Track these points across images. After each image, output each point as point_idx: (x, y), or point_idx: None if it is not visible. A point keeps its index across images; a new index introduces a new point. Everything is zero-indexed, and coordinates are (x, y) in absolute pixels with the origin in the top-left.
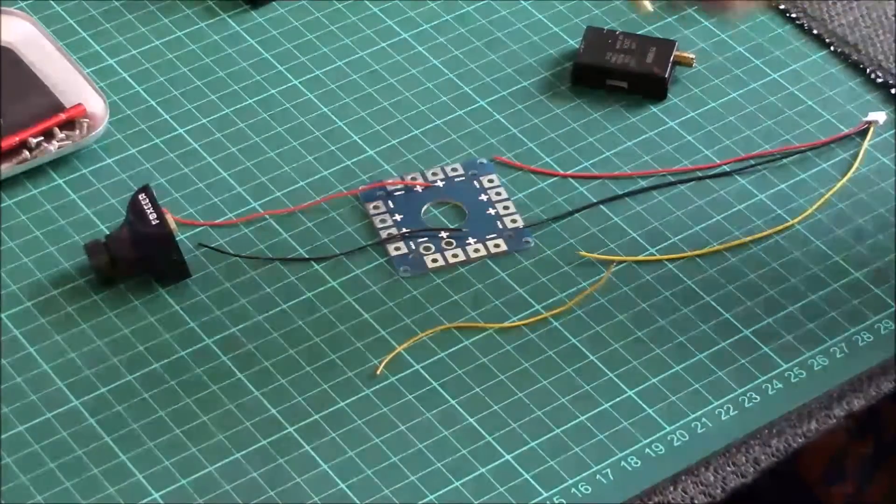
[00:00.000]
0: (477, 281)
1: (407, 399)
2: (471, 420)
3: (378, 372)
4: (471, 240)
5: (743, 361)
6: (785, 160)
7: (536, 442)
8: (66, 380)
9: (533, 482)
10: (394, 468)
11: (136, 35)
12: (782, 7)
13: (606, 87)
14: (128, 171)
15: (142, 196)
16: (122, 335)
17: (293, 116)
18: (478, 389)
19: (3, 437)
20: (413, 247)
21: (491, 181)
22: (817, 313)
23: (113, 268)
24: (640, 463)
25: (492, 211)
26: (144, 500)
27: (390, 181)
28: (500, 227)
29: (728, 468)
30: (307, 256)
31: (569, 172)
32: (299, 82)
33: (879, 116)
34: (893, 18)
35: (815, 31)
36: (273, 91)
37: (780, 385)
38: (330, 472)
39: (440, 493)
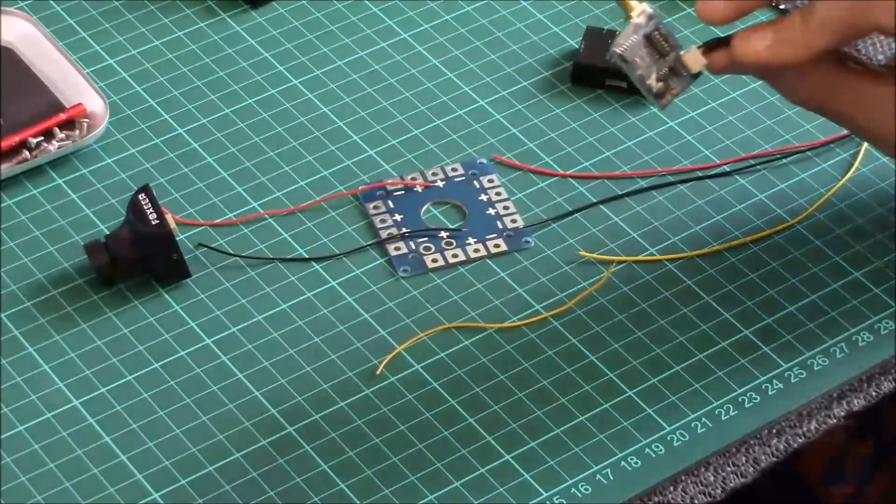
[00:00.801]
0: (477, 281)
1: (407, 399)
2: (471, 420)
3: (378, 372)
4: (471, 240)
5: (743, 361)
6: (785, 160)
7: (536, 442)
8: (66, 380)
9: (533, 482)
10: (394, 468)
11: (136, 35)
12: (782, 7)
13: (606, 87)
14: (128, 171)
15: (142, 196)
16: (122, 335)
17: (293, 116)
18: (478, 389)
19: (3, 437)
20: (413, 247)
21: (491, 181)
22: (817, 313)
23: (113, 268)
24: (640, 463)
25: (492, 211)
26: (144, 500)
27: (390, 181)
28: (500, 227)
29: (728, 468)
30: (307, 256)
31: (569, 172)
32: (299, 82)
33: None
34: None
35: None
36: (273, 91)
37: (780, 385)
38: (330, 472)
39: (440, 493)
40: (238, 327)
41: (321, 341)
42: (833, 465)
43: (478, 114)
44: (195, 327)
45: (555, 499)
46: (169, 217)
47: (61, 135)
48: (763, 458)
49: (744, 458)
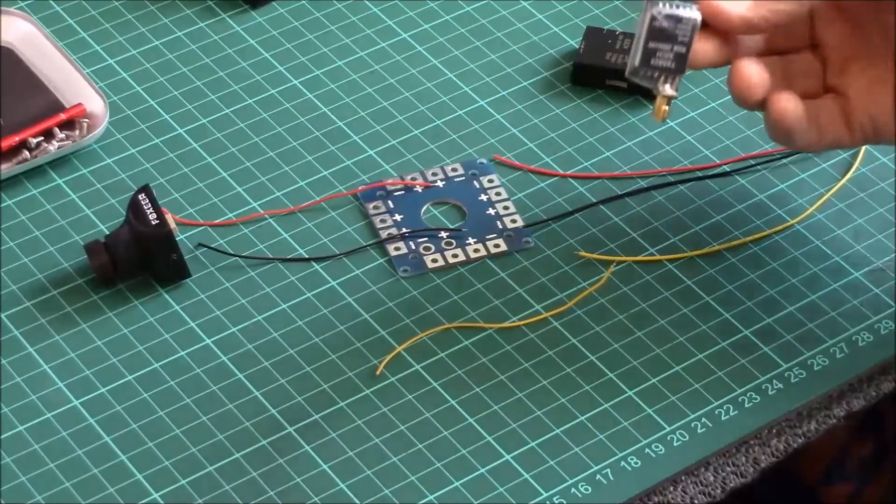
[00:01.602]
0: (477, 281)
1: (407, 399)
2: (471, 420)
3: (378, 372)
4: (471, 240)
5: (743, 361)
6: (785, 160)
7: (536, 442)
8: (66, 380)
9: (533, 482)
10: (394, 468)
11: (136, 35)
12: None
13: (606, 87)
14: (128, 171)
15: (142, 196)
16: (122, 335)
17: (293, 116)
18: (478, 389)
19: (3, 437)
20: (413, 247)
21: (491, 181)
22: (817, 313)
23: (113, 268)
24: (640, 463)
25: (492, 211)
26: (144, 500)
27: (390, 181)
28: (500, 227)
29: (728, 468)
30: (307, 256)
31: (569, 172)
32: (299, 82)
33: None
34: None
35: None
36: (273, 91)
37: (780, 385)
38: (330, 472)
39: (440, 493)
40: (238, 327)
41: (321, 341)
42: (833, 465)
43: (478, 114)
44: (195, 327)
45: (555, 499)
46: (169, 217)
47: (61, 135)
48: (763, 458)
49: (744, 458)
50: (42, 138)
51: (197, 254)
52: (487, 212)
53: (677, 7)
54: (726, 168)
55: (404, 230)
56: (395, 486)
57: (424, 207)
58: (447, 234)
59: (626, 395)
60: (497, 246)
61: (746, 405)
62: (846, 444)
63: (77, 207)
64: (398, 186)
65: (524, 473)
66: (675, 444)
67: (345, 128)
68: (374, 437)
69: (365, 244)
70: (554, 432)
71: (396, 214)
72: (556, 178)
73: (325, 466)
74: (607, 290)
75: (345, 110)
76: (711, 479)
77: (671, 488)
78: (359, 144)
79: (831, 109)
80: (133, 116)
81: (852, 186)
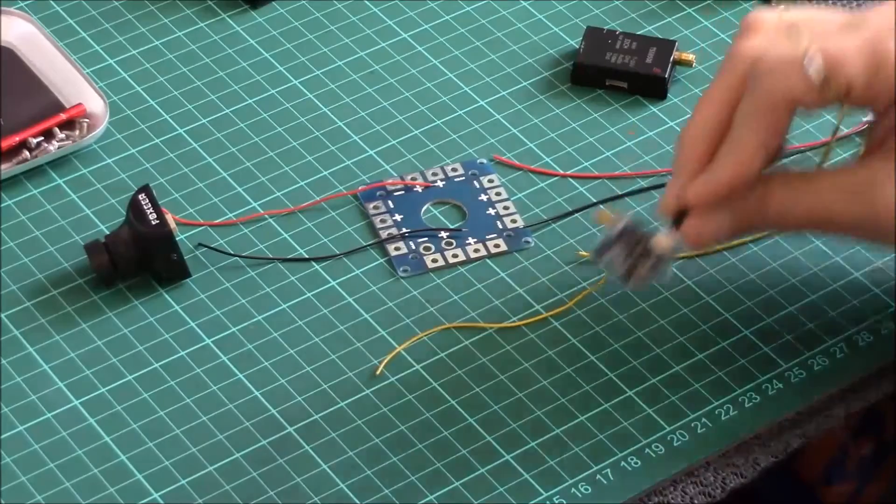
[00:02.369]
0: (477, 281)
1: (407, 399)
2: (471, 420)
3: (378, 372)
4: (471, 240)
5: (743, 361)
6: (785, 160)
7: (536, 442)
8: (66, 380)
9: (533, 482)
10: (394, 468)
11: (136, 35)
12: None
13: (606, 87)
14: (128, 171)
15: (142, 196)
16: (122, 335)
17: (293, 116)
18: (478, 389)
19: (3, 437)
20: (413, 247)
21: (491, 181)
22: (817, 313)
23: (113, 268)
24: (640, 463)
25: (492, 211)
26: (144, 500)
27: (390, 181)
28: (500, 227)
29: (728, 468)
30: (307, 256)
31: (569, 172)
32: (299, 82)
33: None
34: None
35: None
36: (273, 91)
37: (780, 385)
38: (330, 472)
39: (440, 493)
40: (238, 327)
41: (321, 341)
42: (833, 465)
43: (478, 114)
44: (195, 327)
45: (555, 499)
46: (169, 217)
47: (61, 135)
48: (763, 458)
49: (744, 458)
50: (42, 138)
51: (197, 254)
52: (487, 212)
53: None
54: None
55: (404, 230)
56: (395, 486)
57: (424, 207)
58: (447, 234)
59: (626, 395)
60: (497, 246)
61: (746, 405)
62: (846, 444)
63: (77, 207)
64: (398, 186)
65: (524, 473)
66: (675, 444)
67: (345, 128)
68: (374, 437)
69: (365, 244)
70: (554, 432)
71: (396, 214)
72: (556, 178)
73: (325, 466)
74: (607, 290)
75: (345, 110)
76: (711, 479)
77: (671, 488)
78: (359, 144)
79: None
80: (133, 116)
81: None
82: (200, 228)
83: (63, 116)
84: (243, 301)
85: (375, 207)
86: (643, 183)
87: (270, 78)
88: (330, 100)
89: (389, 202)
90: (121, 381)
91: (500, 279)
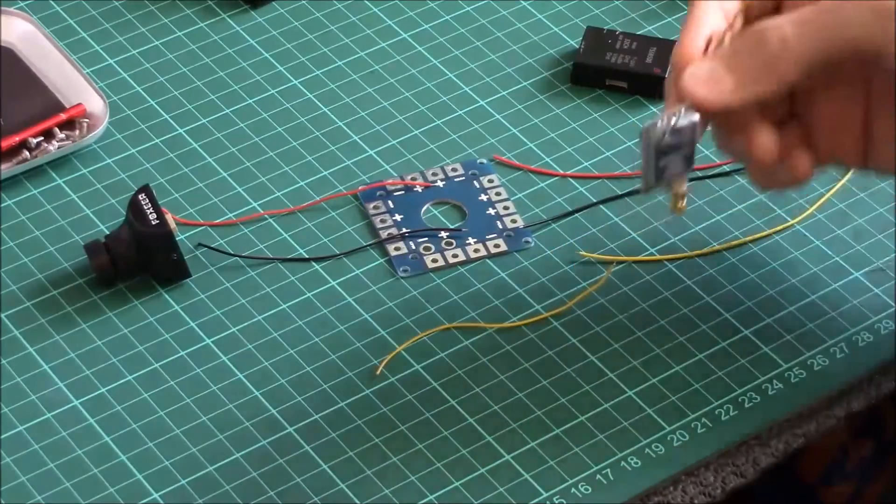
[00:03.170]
0: (477, 281)
1: (407, 399)
2: (471, 420)
3: (378, 372)
4: (471, 240)
5: (743, 361)
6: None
7: (536, 442)
8: (66, 380)
9: (533, 482)
10: (394, 468)
11: (136, 35)
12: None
13: (606, 87)
14: (128, 171)
15: (142, 196)
16: (122, 335)
17: (293, 116)
18: (478, 389)
19: (3, 437)
20: (413, 247)
21: (491, 181)
22: (817, 313)
23: (113, 268)
24: (640, 463)
25: (492, 211)
26: (144, 500)
27: (390, 181)
28: (500, 227)
29: (728, 468)
30: (307, 256)
31: (569, 172)
32: (299, 82)
33: None
34: None
35: None
36: (273, 91)
37: (780, 385)
38: (330, 472)
39: (440, 493)
40: (238, 327)
41: (321, 341)
42: (833, 465)
43: (478, 114)
44: (195, 327)
45: (555, 499)
46: (169, 217)
47: (61, 135)
48: (763, 458)
49: (744, 459)
50: (42, 138)
51: (197, 254)
52: (487, 212)
53: (674, 121)
54: (726, 168)
55: (404, 230)
56: (395, 486)
57: (424, 207)
58: (447, 234)
59: (626, 395)
60: (497, 246)
61: (746, 405)
62: (846, 444)
63: (77, 207)
64: (398, 186)
65: (524, 473)
66: (675, 444)
67: (345, 128)
68: (374, 437)
69: (365, 244)
70: (554, 432)
71: (396, 214)
72: (556, 178)
73: (325, 466)
74: (607, 290)
75: (345, 110)
76: (711, 479)
77: (671, 488)
78: (359, 144)
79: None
80: (133, 116)
81: (852, 186)
82: (200, 228)
83: (63, 116)
84: (243, 301)
85: (375, 207)
86: None
87: (270, 78)
88: (330, 100)
89: (389, 202)
90: (121, 381)
91: (500, 279)
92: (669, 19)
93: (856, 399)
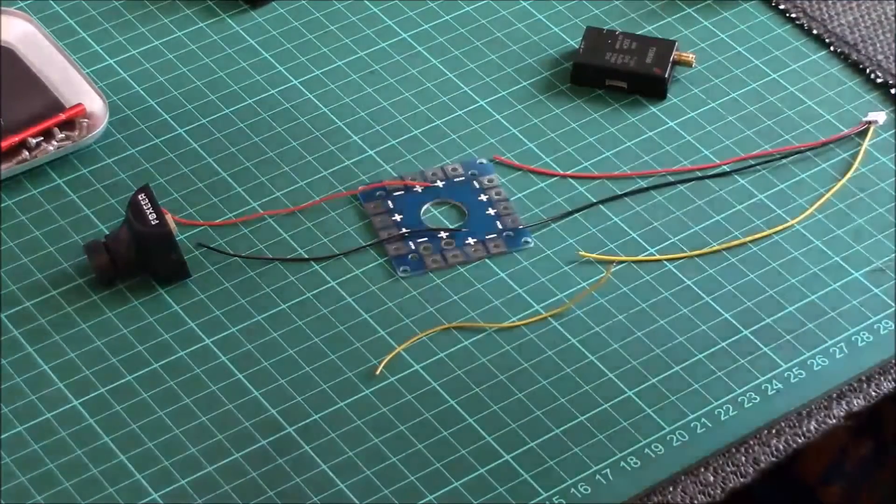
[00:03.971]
0: (477, 281)
1: (407, 399)
2: (471, 420)
3: (378, 372)
4: (470, 240)
5: (743, 361)
6: (784, 160)
7: (536, 442)
8: (66, 380)
9: (533, 482)
10: (394, 468)
11: (136, 35)
12: (782, 7)
13: (606, 87)
14: (128, 171)
15: (141, 196)
16: (121, 335)
17: (293, 116)
18: (478, 389)
19: (3, 437)
20: (413, 247)
21: (490, 181)
22: (817, 313)
23: (113, 268)
24: (639, 463)
25: (491, 211)
26: (144, 500)
27: (390, 181)
28: (500, 227)
29: (728, 468)
30: (307, 256)
31: (569, 172)
32: (299, 82)
33: (879, 116)
34: (893, 18)
35: (814, 31)
36: (273, 91)
37: (779, 385)
38: (330, 472)
39: (440, 493)
40: (238, 327)
41: (321, 341)
42: (833, 465)
43: (478, 114)
44: (195, 327)
45: (555, 499)
46: (169, 217)
47: (61, 135)
48: (763, 458)
49: (743, 458)
50: (42, 138)
51: (197, 254)
52: (487, 212)
53: None
54: (726, 168)
55: (404, 230)
56: (395, 486)
57: (424, 207)
58: (447, 234)
59: (626, 395)
60: (497, 246)
61: (746, 405)
62: (846, 444)
63: (77, 207)
64: (398, 186)
65: (524, 473)
66: (674, 444)
67: (345, 128)
68: (374, 437)
69: (365, 244)
70: (554, 432)
71: (396, 214)
72: (556, 178)
73: (325, 466)
74: (607, 290)
75: (345, 110)
76: (711, 479)
77: (671, 488)
78: (359, 144)
79: None
80: (133, 116)
81: (852, 186)
82: (200, 228)
83: (63, 116)
84: (243, 301)
85: (375, 207)
86: (643, 183)
87: (270, 78)
88: (330, 100)
89: (389, 202)
90: (121, 381)
91: (499, 279)
92: (669, 19)
93: (856, 399)
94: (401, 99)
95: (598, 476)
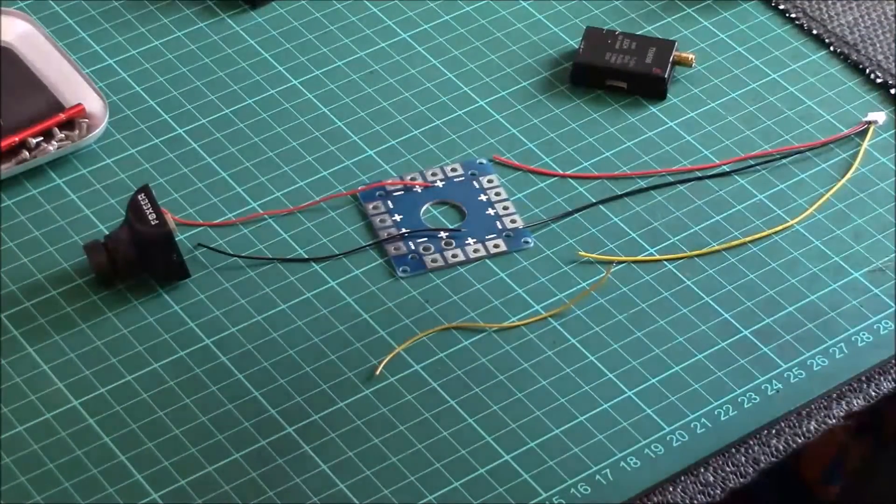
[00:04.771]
0: (476, 281)
1: (407, 399)
2: (470, 420)
3: (377, 372)
4: (470, 240)
5: (742, 361)
6: (784, 160)
7: (536, 442)
8: (65, 380)
9: (532, 482)
10: (394, 468)
11: (136, 35)
12: (782, 7)
13: (606, 87)
14: (127, 171)
15: (141, 196)
16: (121, 335)
17: (293, 116)
18: (477, 389)
19: (3, 437)
20: (413, 247)
21: (490, 181)
22: (817, 313)
23: (112, 268)
24: (639, 463)
25: (491, 211)
26: (144, 500)
27: (390, 181)
28: (500, 227)
29: (728, 468)
30: (307, 256)
31: (568, 172)
32: (299, 82)
33: (879, 116)
34: (893, 18)
35: (814, 31)
36: (273, 91)
37: (779, 385)
38: (329, 472)
39: (440, 493)
40: (238, 327)
41: (321, 341)
42: (833, 465)
43: (478, 114)
44: (195, 327)
45: (554, 499)
46: (168, 217)
47: (61, 135)
48: (763, 458)
49: (743, 459)
50: (42, 138)
51: (196, 254)
52: (487, 212)
53: None
54: (726, 168)
55: (404, 230)
56: (395, 486)
57: (424, 207)
58: (447, 234)
59: (626, 395)
60: (497, 246)
61: (746, 405)
62: (846, 444)
63: (77, 207)
64: (398, 186)
65: (524, 473)
66: (674, 445)
67: (345, 128)
68: (374, 437)
69: (364, 244)
70: (554, 432)
71: (396, 214)
72: (555, 178)
73: (324, 466)
74: (607, 290)
75: (345, 110)
76: (711, 479)
77: (671, 488)
78: (359, 144)
79: None
80: (133, 116)
81: (852, 186)
82: (200, 228)
83: (63, 116)
84: (243, 301)
85: (375, 207)
86: (643, 183)
87: (270, 78)
88: (330, 100)
89: (389, 202)
90: (120, 381)
91: (499, 279)
92: (669, 19)
93: (856, 399)
94: (401, 99)
95: (598, 476)
